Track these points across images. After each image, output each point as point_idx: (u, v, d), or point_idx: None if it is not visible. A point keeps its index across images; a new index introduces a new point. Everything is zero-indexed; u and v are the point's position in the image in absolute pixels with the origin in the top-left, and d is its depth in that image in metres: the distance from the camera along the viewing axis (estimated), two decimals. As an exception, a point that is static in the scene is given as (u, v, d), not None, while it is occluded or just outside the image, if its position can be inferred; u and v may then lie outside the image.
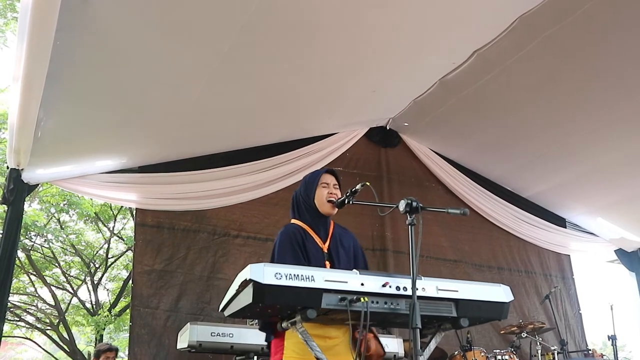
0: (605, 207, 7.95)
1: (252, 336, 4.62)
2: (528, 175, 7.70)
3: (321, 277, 2.29)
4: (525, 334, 6.08)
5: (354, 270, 2.43)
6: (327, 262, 2.92)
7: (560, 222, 8.37)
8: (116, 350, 6.33)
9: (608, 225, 8.24)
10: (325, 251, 2.95)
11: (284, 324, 2.50)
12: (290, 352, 2.72)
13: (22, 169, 5.13)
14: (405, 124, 7.20)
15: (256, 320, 4.71)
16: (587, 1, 4.69)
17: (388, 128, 7.40)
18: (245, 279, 2.23)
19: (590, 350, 7.23)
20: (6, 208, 5.29)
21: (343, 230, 3.16)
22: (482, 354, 5.72)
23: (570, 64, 5.48)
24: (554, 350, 6.26)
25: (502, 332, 6.59)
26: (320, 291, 2.27)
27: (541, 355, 6.14)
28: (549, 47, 5.26)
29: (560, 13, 4.87)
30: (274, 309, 2.37)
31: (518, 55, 5.45)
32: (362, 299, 2.31)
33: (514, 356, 5.81)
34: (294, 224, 3.04)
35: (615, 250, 8.66)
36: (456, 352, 5.77)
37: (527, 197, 8.14)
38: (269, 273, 2.21)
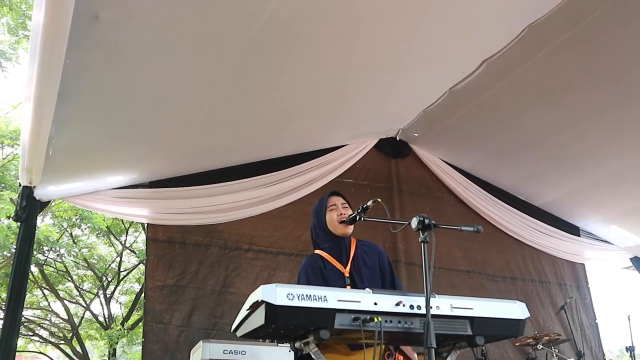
0: (619, 214, 7.86)
1: (265, 354, 4.58)
2: (540, 183, 7.63)
3: (334, 297, 2.27)
4: (541, 346, 6.00)
5: (367, 289, 2.41)
6: (348, 287, 2.91)
7: (574, 230, 8.28)
8: None
9: (623, 233, 8.14)
10: (347, 275, 2.94)
11: (297, 344, 2.48)
12: None
13: (34, 187, 5.15)
14: (415, 134, 7.18)
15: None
16: (596, 9, 4.67)
17: (398, 139, 7.38)
18: (257, 300, 2.22)
19: (607, 361, 7.13)
20: (19, 225, 5.31)
21: (367, 246, 3.15)
22: (498, 366, 5.65)
23: (580, 71, 5.44)
24: (571, 361, 6.19)
25: (517, 344, 6.50)
26: (333, 311, 2.26)
27: (558, 367, 6.06)
28: (558, 56, 5.22)
29: (569, 21, 4.84)
30: (287, 329, 2.35)
31: (528, 64, 5.42)
32: (375, 318, 2.29)
33: (530, 368, 5.74)
34: (314, 254, 3.07)
35: (630, 258, 8.55)
36: (471, 365, 5.70)
37: (540, 205, 8.07)
38: (281, 294, 2.19)
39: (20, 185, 5.26)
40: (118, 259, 12.36)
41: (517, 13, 4.89)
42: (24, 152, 4.54)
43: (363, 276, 2.95)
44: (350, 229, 3.03)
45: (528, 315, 2.59)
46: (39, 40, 3.28)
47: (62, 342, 12.24)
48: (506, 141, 6.82)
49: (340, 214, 3.02)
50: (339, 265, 2.97)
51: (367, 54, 5.06)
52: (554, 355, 6.05)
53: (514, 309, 2.57)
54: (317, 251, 3.08)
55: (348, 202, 3.13)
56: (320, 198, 3.16)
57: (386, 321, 2.33)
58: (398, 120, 7.02)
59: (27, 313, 11.55)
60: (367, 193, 6.86)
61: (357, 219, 2.94)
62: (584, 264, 8.41)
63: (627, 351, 6.58)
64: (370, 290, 2.38)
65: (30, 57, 3.52)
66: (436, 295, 2.43)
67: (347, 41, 4.77)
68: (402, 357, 2.76)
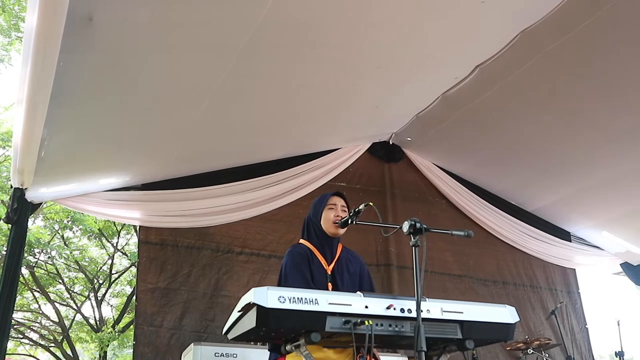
0: (610, 220, 7.90)
1: (256, 356, 4.58)
2: (532, 189, 7.67)
3: (325, 301, 2.28)
4: (532, 350, 6.03)
5: (358, 292, 2.42)
6: (329, 284, 2.92)
7: (565, 236, 8.32)
8: None
9: (613, 238, 8.18)
10: (329, 273, 2.96)
11: (288, 347, 2.49)
12: None
13: (25, 189, 5.13)
14: (408, 138, 7.20)
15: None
16: (589, 16, 4.70)
17: (391, 143, 7.40)
18: (249, 303, 2.22)
19: (597, 365, 7.16)
20: (10, 227, 5.29)
21: (351, 254, 3.17)
22: (488, 370, 5.67)
23: (573, 78, 5.47)
24: (561, 366, 6.22)
25: (508, 348, 6.54)
26: (324, 314, 2.27)
27: (548, 371, 6.09)
28: (551, 62, 5.26)
29: (561, 28, 4.87)
30: (278, 332, 2.35)
31: (520, 70, 5.44)
32: (366, 322, 2.30)
33: (521, 373, 5.76)
34: (300, 244, 3.08)
35: (621, 264, 8.60)
36: (462, 369, 5.71)
37: (532, 211, 8.10)
38: (272, 297, 2.20)
39: (11, 187, 5.24)
40: (109, 261, 12.33)
41: (510, 19, 4.92)
42: (15, 153, 4.53)
43: (344, 279, 2.97)
44: (341, 231, 3.04)
45: (518, 319, 2.60)
46: (32, 42, 3.28)
47: (53, 344, 12.19)
48: (499, 146, 6.85)
49: (337, 216, 3.03)
50: (323, 261, 2.99)
51: (361, 59, 5.07)
52: (545, 359, 6.08)
53: (504, 313, 2.59)
54: (302, 241, 3.09)
55: (348, 206, 3.14)
56: (323, 194, 3.18)
57: (377, 324, 2.34)
58: (391, 125, 7.04)
59: (17, 315, 11.49)
60: (360, 197, 6.86)
61: (349, 222, 2.96)
62: (574, 269, 8.44)
63: (617, 356, 6.62)
64: (362, 294, 2.39)
65: (23, 59, 3.51)
66: (427, 299, 2.45)
67: (341, 46, 4.78)
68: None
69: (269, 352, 2.91)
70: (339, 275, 2.97)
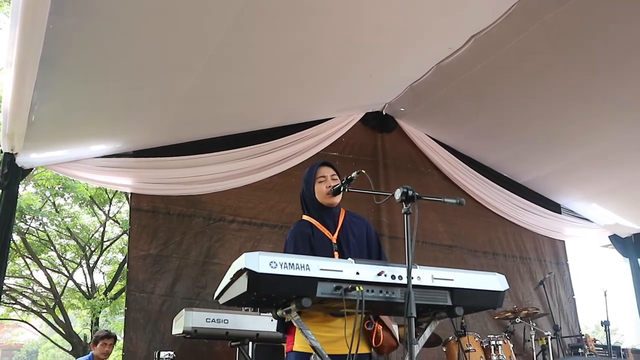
0: (600, 193, 7.96)
1: (247, 322, 4.62)
2: (524, 161, 7.69)
3: (316, 266, 2.28)
4: (520, 320, 6.11)
5: (350, 259, 2.43)
6: (335, 253, 2.92)
7: (555, 208, 8.39)
8: (114, 337, 6.36)
9: (603, 211, 8.26)
10: (334, 242, 2.96)
11: (279, 312, 2.51)
12: (298, 345, 2.79)
13: (16, 153, 5.10)
14: (402, 109, 7.17)
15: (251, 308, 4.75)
16: (587, -14, 4.66)
17: (384, 113, 7.36)
18: (240, 268, 2.23)
19: (583, 335, 7.28)
20: (0, 192, 5.26)
21: (355, 217, 3.16)
22: (477, 339, 5.75)
23: (568, 49, 5.44)
24: (548, 335, 6.29)
25: (496, 317, 6.63)
26: (315, 280, 2.27)
27: (535, 340, 6.18)
28: (547, 33, 5.22)
29: (559, -2, 4.83)
30: (269, 297, 2.36)
31: (515, 41, 5.40)
32: (357, 288, 2.31)
33: (508, 341, 5.84)
34: (303, 220, 3.09)
35: (609, 236, 8.69)
36: (450, 338, 5.79)
37: (523, 183, 8.14)
38: (264, 262, 2.20)
39: (1, 151, 5.20)
40: (101, 229, 12.33)
41: (506, -11, 4.86)
42: (5, 117, 4.49)
43: (350, 245, 2.97)
44: (337, 199, 3.03)
45: (507, 287, 2.62)
46: (20, 4, 3.22)
47: (45, 310, 12.25)
48: (492, 118, 6.84)
49: (329, 187, 3.01)
50: (326, 232, 2.98)
51: (356, 29, 5.02)
52: (532, 329, 6.17)
53: (493, 281, 2.60)
54: (305, 217, 3.09)
55: (338, 174, 3.12)
56: (310, 166, 3.14)
57: (367, 290, 2.35)
58: (384, 95, 7.00)
59: (9, 281, 11.51)
60: (352, 166, 6.80)
61: (341, 189, 2.94)
62: (564, 241, 8.53)
63: (602, 325, 6.73)
64: (353, 260, 2.40)
65: (12, 22, 3.46)
66: (417, 266, 2.46)
67: (335, 15, 4.73)
68: (381, 327, 2.79)
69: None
70: (344, 242, 2.97)
